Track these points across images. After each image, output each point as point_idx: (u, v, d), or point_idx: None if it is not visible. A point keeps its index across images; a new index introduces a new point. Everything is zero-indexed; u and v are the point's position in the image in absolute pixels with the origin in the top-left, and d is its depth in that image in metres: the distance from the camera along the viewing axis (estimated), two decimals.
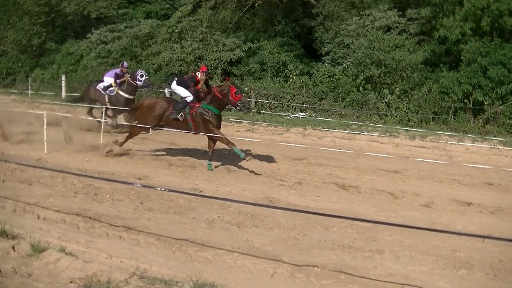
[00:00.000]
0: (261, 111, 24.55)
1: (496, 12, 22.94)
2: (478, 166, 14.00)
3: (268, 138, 18.03)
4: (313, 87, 25.39)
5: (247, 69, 27.74)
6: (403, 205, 10.73)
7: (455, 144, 17.75)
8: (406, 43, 25.34)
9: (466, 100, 23.03)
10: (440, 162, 12.55)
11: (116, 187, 10.44)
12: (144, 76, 18.26)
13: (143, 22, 31.45)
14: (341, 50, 26.74)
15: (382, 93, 24.21)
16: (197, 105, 13.23)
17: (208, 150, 13.40)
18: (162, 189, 9.43)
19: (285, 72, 26.94)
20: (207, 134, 13.23)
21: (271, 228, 8.77)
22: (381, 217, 9.65)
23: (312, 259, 7.40)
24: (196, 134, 13.79)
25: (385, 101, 23.54)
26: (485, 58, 23.22)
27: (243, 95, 13.16)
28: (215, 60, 27.70)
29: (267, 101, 24.92)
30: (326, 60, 27.25)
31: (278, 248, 7.81)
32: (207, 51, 28.39)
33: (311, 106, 24.66)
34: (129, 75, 18.51)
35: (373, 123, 21.81)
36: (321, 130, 19.67)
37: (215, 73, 26.90)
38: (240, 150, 12.73)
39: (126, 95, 18.19)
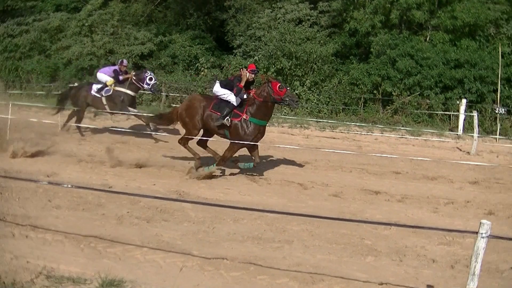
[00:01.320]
0: (172, 105, 24.41)
1: (405, 5, 23.76)
2: (386, 155, 14.48)
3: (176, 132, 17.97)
4: (225, 80, 25.47)
5: (158, 63, 27.47)
6: (313, 195, 11.00)
7: (364, 134, 18.24)
8: (317, 35, 25.78)
9: (375, 91, 23.73)
10: (349, 152, 12.91)
11: (23, 185, 10.13)
12: (154, 79, 16.86)
13: (53, 15, 30.35)
14: (253, 43, 26.96)
15: (293, 85, 24.50)
16: (243, 116, 12.11)
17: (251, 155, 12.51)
18: (70, 186, 9.26)
19: (197, 65, 26.94)
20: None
21: (181, 222, 8.81)
22: (291, 208, 9.86)
23: (222, 251, 7.50)
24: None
25: (296, 93, 23.88)
26: (393, 50, 23.98)
27: (288, 88, 12.25)
28: (126, 54, 27.24)
29: (178, 95, 24.78)
30: (237, 53, 27.35)
31: (187, 242, 7.87)
32: (118, 44, 27.92)
33: None
34: (134, 73, 17.08)
35: (284, 115, 22.09)
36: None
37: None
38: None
39: (128, 91, 16.72)
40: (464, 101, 20.83)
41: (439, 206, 10.60)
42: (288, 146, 15.30)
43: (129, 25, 29.20)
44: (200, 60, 26.75)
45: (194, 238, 8.08)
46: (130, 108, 16.74)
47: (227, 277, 6.75)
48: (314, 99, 23.83)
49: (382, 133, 18.59)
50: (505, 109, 21.97)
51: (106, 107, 16.83)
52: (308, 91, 24.10)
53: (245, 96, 12.34)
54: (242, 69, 12.67)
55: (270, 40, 25.43)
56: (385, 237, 8.48)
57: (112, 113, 17.66)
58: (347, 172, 13.14)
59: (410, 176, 13.11)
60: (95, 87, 16.93)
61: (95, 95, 16.77)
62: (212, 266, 6.99)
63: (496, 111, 21.46)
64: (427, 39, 25.28)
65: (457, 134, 19.67)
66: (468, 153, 16.95)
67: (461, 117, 19.86)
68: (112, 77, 16.78)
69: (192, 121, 12.45)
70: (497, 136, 19.82)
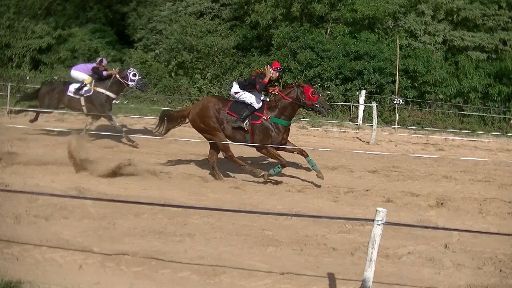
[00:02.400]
0: None
1: None
2: (287, 146, 14.66)
3: (77, 127, 17.51)
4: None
5: (57, 57, 26.96)
6: (214, 188, 11.03)
7: None
8: (218, 28, 25.92)
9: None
10: (250, 144, 12.95)
11: None
12: (137, 75, 15.89)
13: None
14: (154, 36, 26.92)
15: (194, 78, 24.52)
16: (264, 117, 11.72)
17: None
18: None
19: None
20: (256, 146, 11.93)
21: (81, 219, 8.62)
22: (192, 201, 9.87)
23: (123, 247, 7.41)
24: (251, 146, 12.13)
25: (197, 86, 23.87)
26: (294, 42, 24.36)
27: (320, 95, 11.96)
28: (23, 48, 26.59)
29: None
30: (138, 47, 27.24)
31: (88, 239, 7.73)
32: (14, 38, 27.14)
33: (122, 94, 24.40)
34: (116, 71, 15.99)
35: None
36: (133, 117, 19.50)
37: (23, 61, 25.83)
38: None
39: (108, 93, 15.67)
40: (363, 92, 21.44)
41: (339, 195, 10.88)
42: (189, 140, 15.25)
43: (26, 18, 28.34)
44: (100, 54, 26.20)
45: (94, 235, 7.94)
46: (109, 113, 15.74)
47: (129, 272, 6.69)
48: (215, 92, 23.88)
49: None
50: (403, 100, 22.75)
51: (84, 108, 15.70)
52: (209, 84, 24.14)
53: (263, 97, 12.01)
54: (267, 66, 12.18)
55: (171, 33, 25.41)
56: (286, 227, 8.60)
57: (88, 115, 16.01)
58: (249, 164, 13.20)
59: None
60: (72, 87, 15.72)
61: (72, 96, 15.62)
62: (113, 262, 6.89)
63: (394, 102, 22.18)
64: (328, 31, 25.84)
65: (357, 125, 20.28)
66: (368, 142, 17.46)
67: (361, 108, 20.44)
68: (90, 75, 15.71)
69: (209, 126, 11.83)
70: (396, 126, 20.57)
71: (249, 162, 12.60)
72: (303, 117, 20.75)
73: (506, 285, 6.87)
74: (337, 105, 23.09)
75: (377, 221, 5.55)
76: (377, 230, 5.57)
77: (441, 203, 10.68)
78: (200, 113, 11.86)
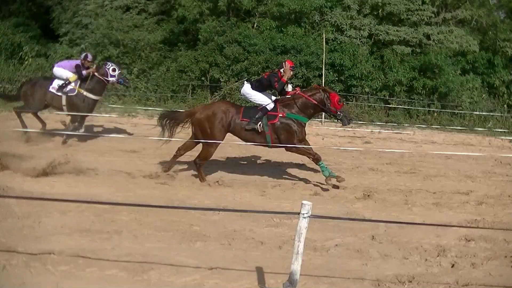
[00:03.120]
0: None
1: None
2: (214, 142, 14.66)
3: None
4: (49, 69, 24.77)
5: None
6: (141, 184, 10.94)
7: None
8: (145, 22, 25.78)
9: (203, 78, 24.06)
10: (178, 139, 12.90)
11: None
12: (117, 69, 15.38)
13: None
14: (80, 31, 26.49)
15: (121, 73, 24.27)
16: (280, 115, 11.55)
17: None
18: None
19: (21, 54, 26.08)
20: (286, 146, 11.72)
21: (5, 219, 8.37)
22: (119, 197, 9.73)
23: (49, 246, 7.24)
24: (270, 148, 12.10)
25: (30, 77, 23.62)
26: (221, 37, 24.41)
27: (344, 103, 11.40)
28: None
29: (1, 85, 23.55)
30: (64, 41, 26.78)
31: (12, 239, 7.50)
32: None
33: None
34: (94, 69, 15.22)
35: (112, 104, 21.75)
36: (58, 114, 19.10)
37: None
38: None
39: (92, 96, 15.02)
40: (290, 86, 21.57)
41: (267, 189, 10.97)
42: (116, 135, 15.12)
43: None
44: (24, 48, 25.88)
45: (19, 234, 7.73)
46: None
47: (55, 272, 6.55)
48: (142, 87, 23.73)
49: None
50: None
51: (64, 108, 14.93)
52: (136, 79, 23.97)
53: (273, 98, 11.85)
54: (284, 64, 12.05)
55: (97, 27, 25.13)
56: (214, 222, 8.61)
57: (68, 115, 15.10)
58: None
59: (238, 160, 13.41)
60: (55, 83, 14.95)
61: (54, 94, 14.86)
62: (39, 262, 6.74)
63: None
64: (254, 26, 25.99)
65: None
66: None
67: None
68: (74, 73, 14.96)
69: (212, 132, 11.49)
70: (322, 119, 20.85)
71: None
72: None
73: (431, 274, 7.05)
74: None
75: (303, 214, 5.61)
76: (303, 223, 5.64)
77: (368, 195, 10.92)
78: (211, 118, 11.49)
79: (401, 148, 16.07)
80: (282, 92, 11.90)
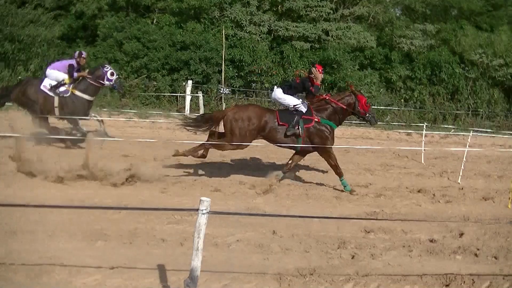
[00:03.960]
0: None
1: None
2: (115, 139, 14.63)
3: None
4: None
5: None
6: (40, 183, 10.65)
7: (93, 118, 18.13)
8: (42, 18, 25.11)
9: None
10: (76, 137, 12.81)
11: None
12: (115, 74, 14.91)
13: None
14: None
15: (17, 70, 23.66)
16: (315, 119, 11.72)
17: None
18: None
19: None
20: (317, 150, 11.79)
21: None
22: (17, 198, 9.44)
23: None
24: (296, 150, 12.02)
25: (19, 78, 23.07)
26: (120, 33, 24.24)
27: (371, 105, 11.43)
28: None
29: None
30: None
31: None
32: None
33: None
34: (88, 71, 14.85)
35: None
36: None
37: None
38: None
39: (86, 97, 14.55)
40: (190, 82, 21.76)
41: (168, 186, 10.93)
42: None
43: None
44: None
45: None
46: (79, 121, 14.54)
47: None
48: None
49: (110, 117, 18.60)
50: (229, 89, 23.36)
51: (56, 110, 14.35)
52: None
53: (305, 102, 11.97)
54: (314, 68, 12.15)
55: None
56: (115, 221, 8.49)
57: (61, 119, 14.78)
58: (79, 157, 13.00)
59: (138, 158, 13.34)
60: (47, 82, 14.44)
61: (46, 93, 14.34)
62: None
63: (221, 91, 22.73)
64: (154, 21, 25.93)
65: (184, 115, 20.48)
66: (195, 132, 17.62)
67: (188, 98, 20.65)
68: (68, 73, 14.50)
69: (243, 134, 11.54)
70: None
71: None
72: (130, 108, 20.69)
73: (332, 266, 7.21)
74: (164, 95, 23.27)
75: (202, 210, 5.67)
76: (202, 220, 5.66)
77: (269, 190, 11.07)
78: (247, 121, 11.59)
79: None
80: (309, 94, 12.16)
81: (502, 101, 29.42)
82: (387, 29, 30.44)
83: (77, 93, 14.41)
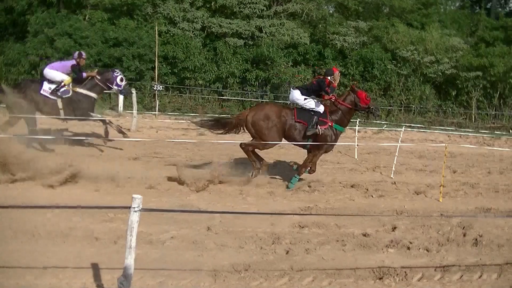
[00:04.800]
0: None
1: None
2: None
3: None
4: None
5: None
6: None
7: None
8: None
9: (33, 72, 23.39)
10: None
11: None
12: (124, 80, 14.66)
13: None
14: None
15: None
16: (329, 123, 12.06)
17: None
18: None
19: None
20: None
21: None
22: None
23: None
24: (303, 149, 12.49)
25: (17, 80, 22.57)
26: (52, 29, 23.81)
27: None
28: None
29: None
30: None
31: None
32: None
33: None
34: (96, 72, 14.53)
35: None
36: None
37: None
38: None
39: (92, 94, 14.26)
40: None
41: (101, 184, 10.75)
42: None
43: None
44: None
45: None
46: (92, 114, 14.34)
47: None
48: None
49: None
50: (163, 86, 23.27)
51: (61, 112, 13.95)
52: None
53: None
54: (327, 78, 12.24)
55: None
56: (47, 221, 8.39)
57: (66, 119, 14.57)
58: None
59: (70, 156, 13.12)
60: (46, 86, 13.92)
61: (47, 97, 13.84)
62: None
63: (155, 88, 22.62)
64: (86, 18, 25.58)
65: (118, 112, 20.33)
66: (129, 129, 17.55)
67: (121, 95, 20.40)
68: (68, 74, 14.11)
69: (270, 132, 11.85)
70: (156, 112, 20.96)
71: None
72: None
73: (266, 261, 7.26)
74: None
75: (134, 208, 5.64)
76: (134, 217, 5.60)
77: (205, 187, 11.04)
78: (266, 119, 11.91)
79: (234, 139, 16.42)
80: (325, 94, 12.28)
81: (433, 97, 30.17)
82: (320, 26, 30.78)
83: (82, 91, 14.22)
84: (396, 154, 14.29)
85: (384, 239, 8.50)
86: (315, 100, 12.20)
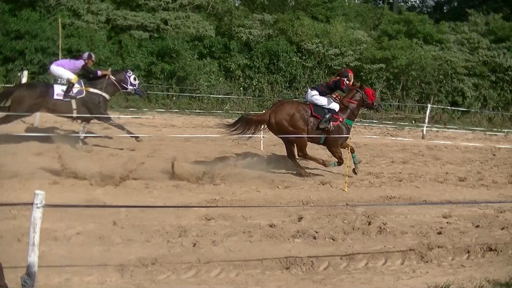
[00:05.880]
0: None
1: None
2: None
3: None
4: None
5: None
6: None
7: None
8: None
9: None
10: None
11: None
12: (137, 79, 15.15)
13: None
14: None
15: None
16: (340, 119, 13.18)
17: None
18: None
19: None
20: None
21: None
22: None
23: None
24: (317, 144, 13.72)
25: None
26: None
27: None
28: None
29: None
30: None
31: None
32: None
33: None
34: (110, 72, 14.78)
35: None
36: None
37: None
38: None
39: (105, 95, 14.50)
40: (25, 72, 21.00)
41: (3, 180, 10.49)
42: None
43: None
44: None
45: None
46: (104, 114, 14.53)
47: None
48: None
49: None
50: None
51: (75, 112, 14.09)
52: None
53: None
54: (342, 79, 13.30)
55: None
56: None
57: (77, 119, 14.57)
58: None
59: None
60: (58, 89, 13.97)
61: (60, 100, 13.92)
62: None
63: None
64: None
65: None
66: (32, 124, 17.13)
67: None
68: (77, 73, 14.35)
69: (298, 129, 12.82)
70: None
71: None
72: None
73: (173, 254, 7.27)
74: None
75: (36, 204, 5.58)
76: (37, 214, 5.46)
77: (107, 181, 10.89)
78: (289, 117, 12.84)
79: (142, 133, 16.37)
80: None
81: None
82: (226, 18, 30.91)
83: (95, 90, 14.42)
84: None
85: (291, 229, 8.66)
86: (330, 99, 13.25)
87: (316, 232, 8.54)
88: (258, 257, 7.27)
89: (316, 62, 30.10)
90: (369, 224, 9.31)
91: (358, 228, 8.99)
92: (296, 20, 30.80)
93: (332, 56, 30.20)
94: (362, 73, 30.36)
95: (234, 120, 13.39)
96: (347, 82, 13.42)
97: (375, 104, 13.97)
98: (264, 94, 28.28)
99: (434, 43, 32.40)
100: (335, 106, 13.18)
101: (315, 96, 13.22)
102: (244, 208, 9.47)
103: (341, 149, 13.33)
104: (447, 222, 9.80)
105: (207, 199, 10.30)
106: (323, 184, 12.37)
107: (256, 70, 28.70)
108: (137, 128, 17.96)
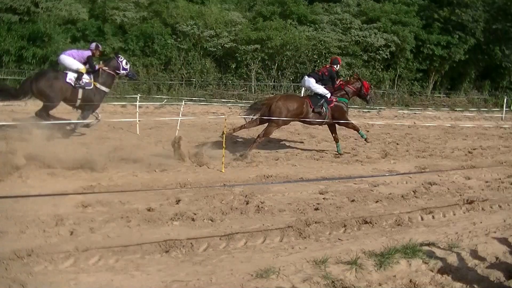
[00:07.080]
0: None
1: None
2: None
3: None
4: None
5: None
6: None
7: None
8: None
9: None
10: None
11: None
12: (128, 63, 15.74)
13: None
14: None
15: None
16: (334, 100, 15.14)
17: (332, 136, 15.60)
18: None
19: None
20: (338, 122, 15.27)
21: None
22: None
23: None
24: (323, 124, 15.50)
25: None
26: None
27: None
28: None
29: None
30: None
31: None
32: None
33: None
34: (103, 63, 15.26)
35: None
36: None
37: None
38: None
39: (104, 89, 15.15)
40: None
41: None
42: None
43: None
44: None
45: None
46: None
47: None
48: None
49: None
50: None
51: (79, 101, 14.71)
52: None
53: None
54: (333, 66, 15.45)
55: None
56: None
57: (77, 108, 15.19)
58: None
59: None
60: (71, 75, 14.54)
61: (72, 86, 14.52)
62: None
63: None
64: None
65: None
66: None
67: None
68: (84, 64, 14.78)
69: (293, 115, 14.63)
70: None
71: None
72: None
73: (50, 244, 7.08)
74: None
75: None
76: None
77: None
78: (292, 107, 14.48)
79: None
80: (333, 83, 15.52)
81: (213, 70, 31.05)
82: (99, 1, 30.37)
83: (98, 86, 14.94)
84: (178, 127, 14.62)
85: (169, 212, 8.68)
86: (324, 87, 15.02)
87: (195, 214, 8.59)
88: (137, 242, 7.24)
89: (192, 44, 30.17)
90: (247, 203, 9.46)
91: (236, 208, 9.12)
92: (171, 2, 30.71)
93: (208, 38, 30.37)
94: (237, 54, 30.69)
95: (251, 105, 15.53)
96: (337, 68, 15.55)
97: (368, 96, 15.86)
98: (140, 77, 27.93)
99: (308, 24, 33.21)
100: (327, 94, 14.97)
101: (313, 83, 14.99)
102: (122, 193, 9.38)
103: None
104: (323, 198, 10.13)
105: (83, 185, 10.11)
106: (200, 166, 12.46)
107: (131, 53, 28.41)
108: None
